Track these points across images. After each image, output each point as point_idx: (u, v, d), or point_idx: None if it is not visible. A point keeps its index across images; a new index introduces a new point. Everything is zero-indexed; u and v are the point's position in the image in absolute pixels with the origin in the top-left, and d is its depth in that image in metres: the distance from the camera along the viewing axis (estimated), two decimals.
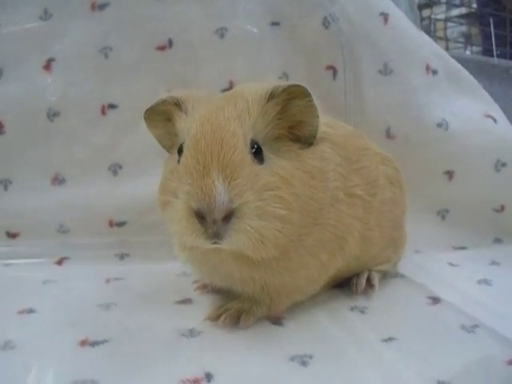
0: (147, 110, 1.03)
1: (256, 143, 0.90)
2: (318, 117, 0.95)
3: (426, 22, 3.16)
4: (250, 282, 0.98)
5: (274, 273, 0.96)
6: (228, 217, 0.83)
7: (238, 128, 0.88)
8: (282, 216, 0.87)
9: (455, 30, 3.49)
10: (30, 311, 1.08)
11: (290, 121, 0.95)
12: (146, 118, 1.05)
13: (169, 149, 1.08)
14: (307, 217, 0.93)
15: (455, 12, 3.49)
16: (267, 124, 0.93)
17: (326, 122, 1.02)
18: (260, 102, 0.92)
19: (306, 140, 0.97)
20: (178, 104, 0.98)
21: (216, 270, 0.99)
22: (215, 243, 0.85)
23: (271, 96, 0.92)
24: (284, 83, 0.93)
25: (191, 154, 0.87)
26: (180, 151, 0.93)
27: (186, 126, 0.93)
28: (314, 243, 0.97)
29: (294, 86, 0.92)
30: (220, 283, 1.06)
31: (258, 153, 0.90)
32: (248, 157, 0.87)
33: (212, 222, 0.83)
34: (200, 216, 0.83)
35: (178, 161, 0.93)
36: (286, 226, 0.88)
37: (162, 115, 1.03)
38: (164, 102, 1.00)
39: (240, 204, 0.83)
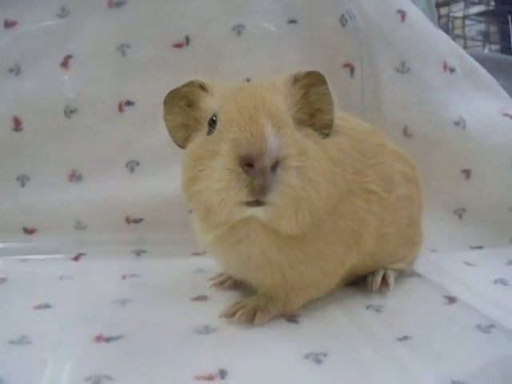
0: (170, 93, 1.00)
1: None
2: (333, 105, 0.96)
3: (443, 20, 3.15)
4: (268, 270, 0.97)
5: (292, 259, 0.96)
6: (274, 167, 0.81)
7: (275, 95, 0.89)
8: (316, 186, 0.87)
9: (473, 28, 3.47)
10: (46, 306, 1.09)
11: (310, 108, 0.96)
12: (166, 103, 1.01)
13: (182, 142, 1.03)
14: (329, 201, 0.94)
15: (473, 10, 3.47)
16: (294, 105, 0.93)
17: (341, 117, 1.03)
18: (286, 85, 0.93)
19: (323, 130, 0.98)
20: (203, 87, 0.98)
21: (236, 251, 0.97)
22: (256, 203, 0.83)
23: (295, 79, 0.94)
24: (304, 69, 0.95)
25: (231, 109, 0.86)
26: (211, 123, 0.92)
27: (215, 101, 0.93)
28: (330, 231, 0.97)
29: (314, 72, 0.94)
30: (236, 271, 1.06)
31: None
32: (289, 116, 0.88)
33: (260, 170, 0.80)
34: (247, 164, 0.80)
35: (208, 132, 0.92)
36: (317, 198, 0.88)
37: (183, 100, 1.00)
38: (190, 83, 0.98)
39: (286, 155, 0.82)
